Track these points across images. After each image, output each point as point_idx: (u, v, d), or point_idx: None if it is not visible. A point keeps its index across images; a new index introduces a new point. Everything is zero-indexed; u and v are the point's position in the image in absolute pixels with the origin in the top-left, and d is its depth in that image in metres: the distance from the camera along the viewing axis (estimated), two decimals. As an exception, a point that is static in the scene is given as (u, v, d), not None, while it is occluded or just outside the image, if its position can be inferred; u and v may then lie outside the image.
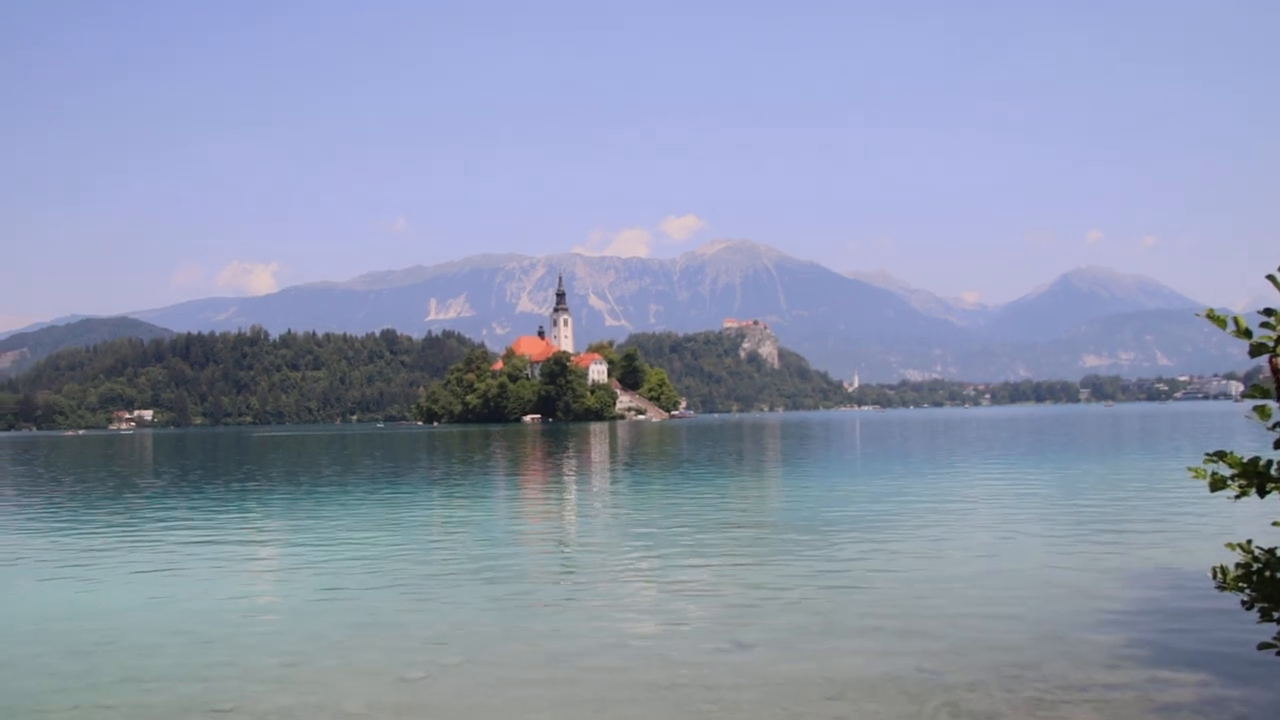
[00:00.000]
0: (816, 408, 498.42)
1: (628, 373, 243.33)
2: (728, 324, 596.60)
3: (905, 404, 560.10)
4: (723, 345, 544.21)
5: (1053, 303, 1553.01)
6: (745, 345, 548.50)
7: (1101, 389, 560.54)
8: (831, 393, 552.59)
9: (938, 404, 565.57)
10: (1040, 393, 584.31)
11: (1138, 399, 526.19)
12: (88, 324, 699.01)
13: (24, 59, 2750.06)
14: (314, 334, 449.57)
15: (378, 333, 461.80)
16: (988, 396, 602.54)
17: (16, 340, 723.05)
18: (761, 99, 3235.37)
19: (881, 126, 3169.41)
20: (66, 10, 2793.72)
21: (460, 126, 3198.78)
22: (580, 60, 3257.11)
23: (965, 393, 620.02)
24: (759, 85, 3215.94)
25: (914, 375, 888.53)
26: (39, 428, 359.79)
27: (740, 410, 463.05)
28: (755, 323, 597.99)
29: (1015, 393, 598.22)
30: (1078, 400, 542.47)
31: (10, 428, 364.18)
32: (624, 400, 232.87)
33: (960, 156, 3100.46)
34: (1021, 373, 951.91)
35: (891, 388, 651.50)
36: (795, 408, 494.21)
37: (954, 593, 14.01)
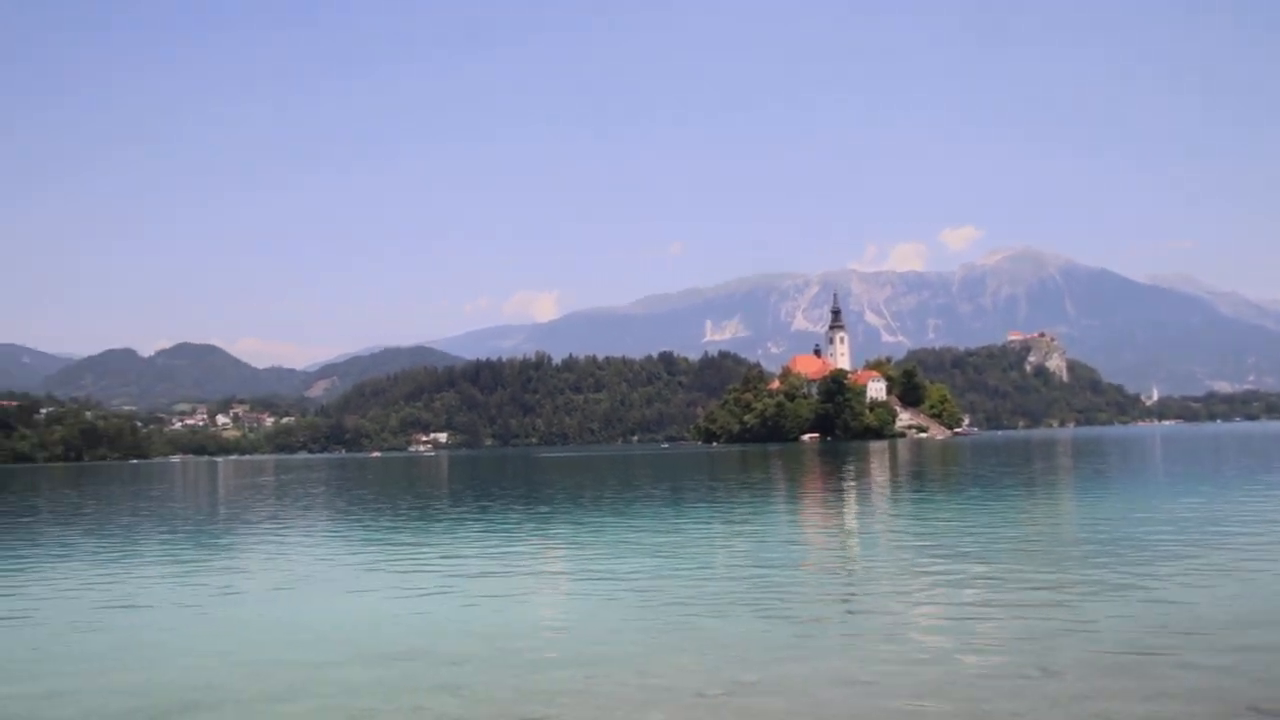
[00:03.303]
0: (1111, 423, 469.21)
1: (907, 390, 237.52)
2: (1012, 336, 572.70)
3: (1213, 418, 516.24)
4: (1007, 359, 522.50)
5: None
6: (1031, 358, 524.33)
7: None
8: (1128, 407, 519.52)
9: (1252, 417, 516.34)
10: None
11: None
12: (389, 353, 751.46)
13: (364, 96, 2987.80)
14: (595, 357, 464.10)
15: (656, 355, 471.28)
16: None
17: (328, 370, 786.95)
18: (1037, 99, 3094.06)
19: (1174, 117, 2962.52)
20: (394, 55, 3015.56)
21: (733, 149, 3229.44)
22: (847, 80, 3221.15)
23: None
24: (1036, 84, 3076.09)
25: (1223, 386, 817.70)
26: (347, 450, 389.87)
27: (1027, 426, 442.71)
28: (1041, 334, 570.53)
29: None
30: None
31: (323, 449, 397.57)
32: (904, 418, 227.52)
33: (1265, 144, 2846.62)
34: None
35: (1197, 400, 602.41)
36: (1087, 423, 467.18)
37: (1289, 622, 12.77)
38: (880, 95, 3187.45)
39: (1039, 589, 15.74)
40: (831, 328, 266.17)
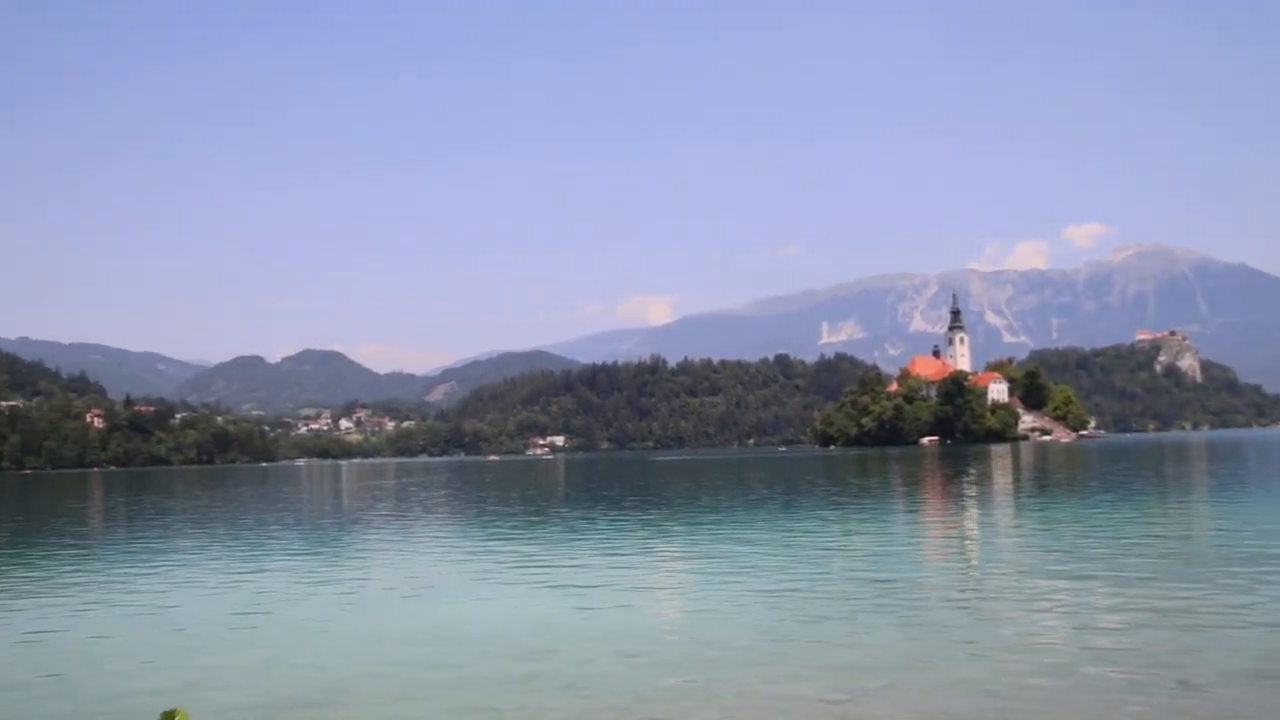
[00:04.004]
0: (1249, 425, 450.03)
1: (1030, 391, 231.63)
2: (1140, 336, 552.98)
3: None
4: (1135, 359, 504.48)
5: None
6: (1161, 358, 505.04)
7: None
8: (1268, 409, 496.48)
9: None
10: None
11: None
12: (506, 358, 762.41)
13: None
14: (710, 360, 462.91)
15: (771, 357, 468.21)
16: None
17: (447, 375, 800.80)
18: (1167, 88, 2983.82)
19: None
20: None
21: (847, 148, 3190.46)
22: (964, 74, 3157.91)
23: None
24: (1163, 73, 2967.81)
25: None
26: (466, 453, 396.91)
27: (1158, 429, 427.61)
28: (1172, 333, 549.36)
29: None
30: None
31: (443, 453, 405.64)
32: (1027, 420, 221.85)
33: None
34: None
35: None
36: (1223, 425, 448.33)
37: None
38: (1004, 90, 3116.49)
39: (1175, 600, 15.16)
40: (951, 328, 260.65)
